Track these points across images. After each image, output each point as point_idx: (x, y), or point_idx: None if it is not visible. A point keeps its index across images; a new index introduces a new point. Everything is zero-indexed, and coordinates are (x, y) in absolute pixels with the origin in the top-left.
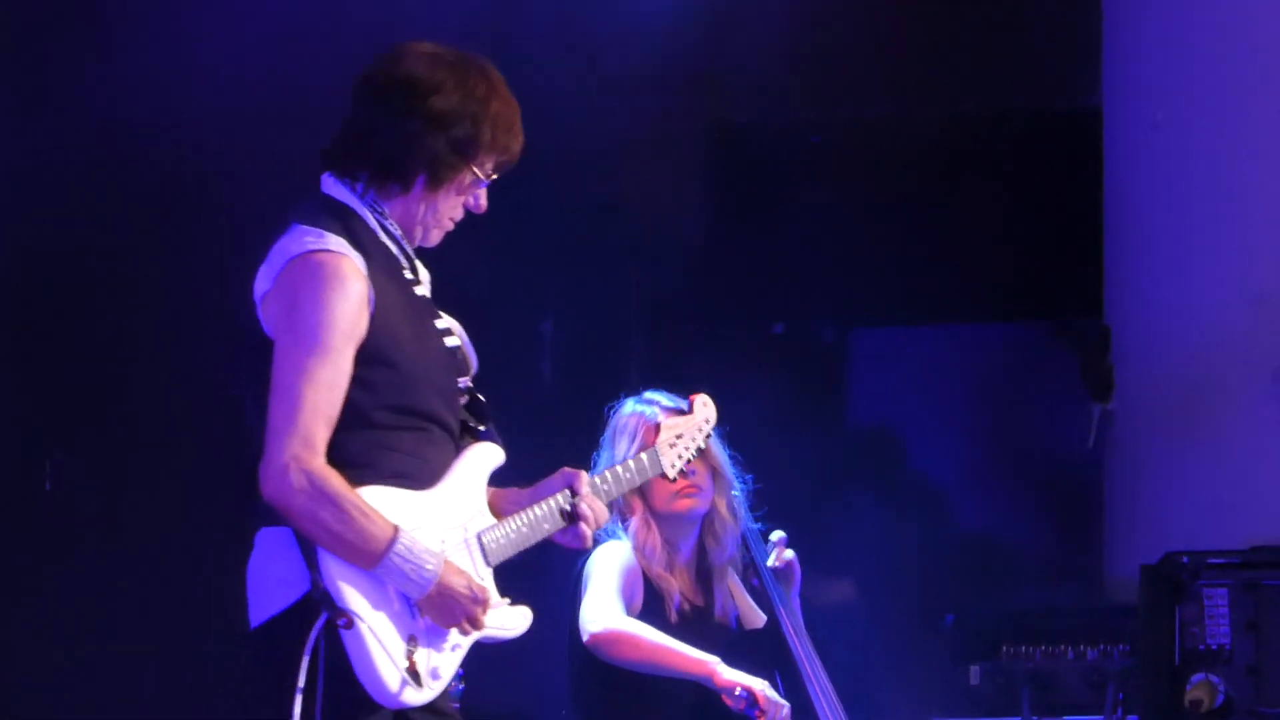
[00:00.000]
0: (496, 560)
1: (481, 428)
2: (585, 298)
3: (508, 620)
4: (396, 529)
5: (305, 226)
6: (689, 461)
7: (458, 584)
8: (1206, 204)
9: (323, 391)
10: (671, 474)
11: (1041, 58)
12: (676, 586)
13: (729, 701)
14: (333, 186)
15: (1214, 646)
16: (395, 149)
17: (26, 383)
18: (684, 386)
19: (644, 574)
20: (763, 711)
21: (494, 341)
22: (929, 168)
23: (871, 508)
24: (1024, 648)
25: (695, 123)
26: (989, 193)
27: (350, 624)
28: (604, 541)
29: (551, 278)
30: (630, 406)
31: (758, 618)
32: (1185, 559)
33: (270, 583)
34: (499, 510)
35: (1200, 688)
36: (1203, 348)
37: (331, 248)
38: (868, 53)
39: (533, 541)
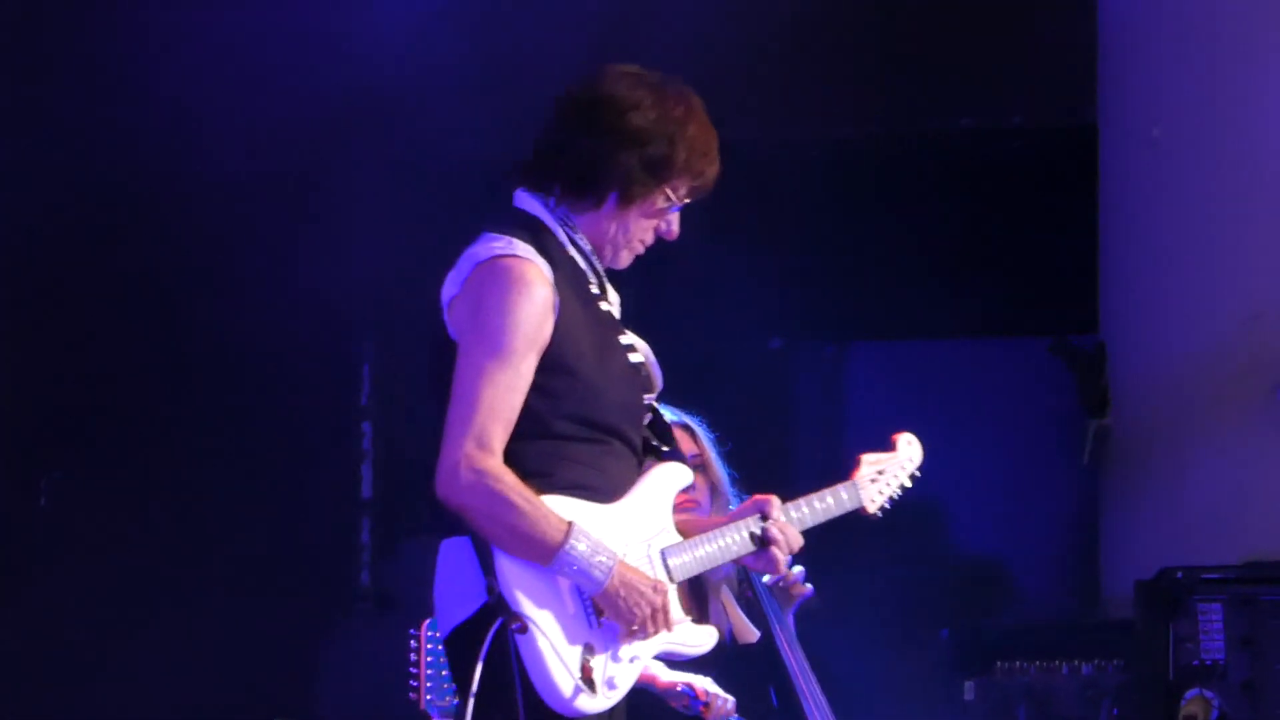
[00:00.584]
0: (680, 578)
1: (665, 448)
2: None
3: (691, 637)
4: (570, 523)
5: (494, 234)
6: (891, 500)
7: (635, 579)
8: (1202, 220)
9: (501, 393)
10: (871, 509)
11: (1038, 75)
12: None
13: (674, 704)
14: (525, 200)
15: (1209, 662)
16: (589, 164)
17: (22, 399)
18: (677, 400)
19: None
20: (706, 705)
21: None
22: (926, 184)
23: (868, 522)
24: (1019, 663)
25: None
26: (985, 209)
27: (524, 628)
28: None
29: None
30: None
31: (750, 633)
32: (1180, 574)
33: (454, 593)
34: (685, 533)
35: (1195, 703)
36: (1198, 364)
37: (519, 254)
38: (866, 70)
39: (719, 563)
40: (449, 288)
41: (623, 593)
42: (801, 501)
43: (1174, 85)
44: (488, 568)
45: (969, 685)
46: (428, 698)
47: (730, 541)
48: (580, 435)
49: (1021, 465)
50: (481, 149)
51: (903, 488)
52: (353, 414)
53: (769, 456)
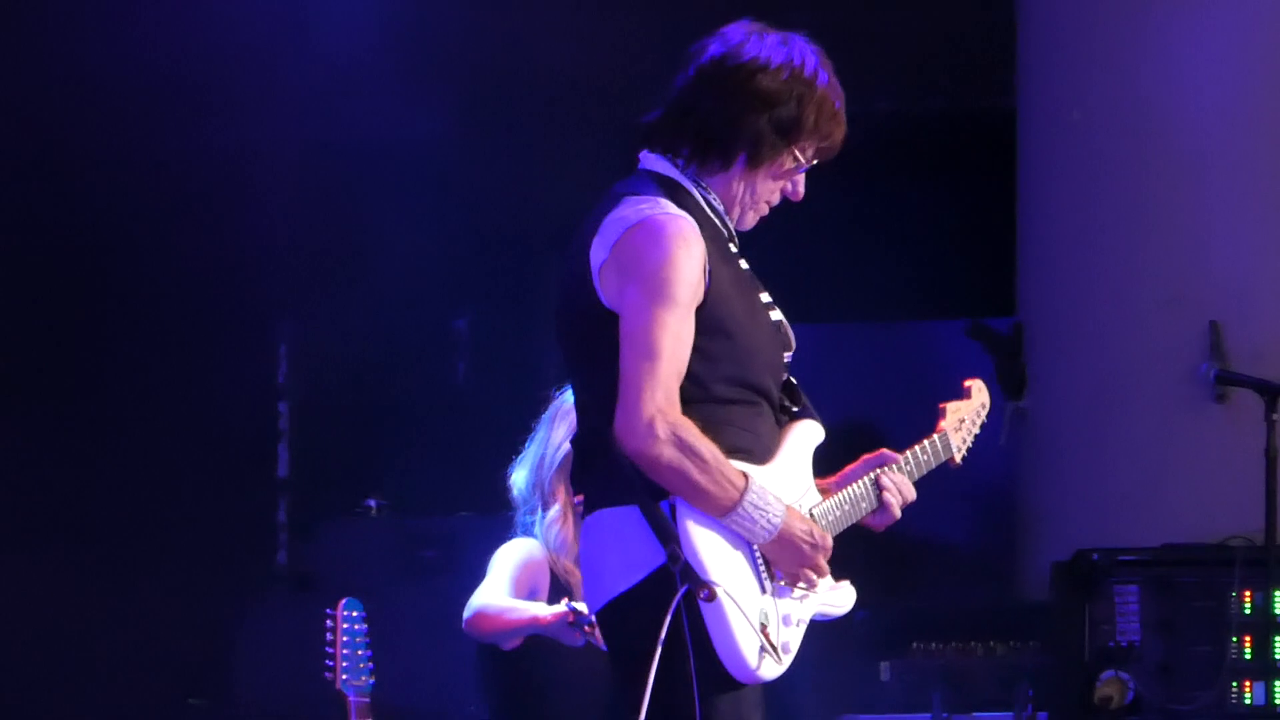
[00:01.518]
0: (832, 535)
1: (796, 407)
2: (502, 293)
3: (838, 598)
4: (748, 475)
5: (636, 197)
6: (969, 448)
7: (802, 530)
8: (1118, 204)
9: (680, 345)
10: (958, 457)
11: (956, 58)
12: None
13: (567, 641)
14: (654, 162)
15: (1124, 644)
16: (718, 125)
17: None
18: None
19: (550, 567)
20: (592, 625)
21: (408, 339)
22: (842, 167)
23: None
24: (935, 644)
25: (612, 124)
26: (903, 192)
27: (712, 596)
28: (514, 538)
29: (470, 272)
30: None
31: None
32: (1096, 556)
33: (614, 562)
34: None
35: (1110, 685)
36: (1114, 346)
37: (671, 211)
38: None
39: (852, 520)
40: (597, 253)
41: (795, 541)
42: (908, 454)
43: (1092, 68)
44: (667, 535)
45: (885, 666)
46: (344, 677)
47: (859, 497)
48: (736, 397)
49: None
50: (399, 129)
51: (976, 434)
52: (269, 393)
53: None
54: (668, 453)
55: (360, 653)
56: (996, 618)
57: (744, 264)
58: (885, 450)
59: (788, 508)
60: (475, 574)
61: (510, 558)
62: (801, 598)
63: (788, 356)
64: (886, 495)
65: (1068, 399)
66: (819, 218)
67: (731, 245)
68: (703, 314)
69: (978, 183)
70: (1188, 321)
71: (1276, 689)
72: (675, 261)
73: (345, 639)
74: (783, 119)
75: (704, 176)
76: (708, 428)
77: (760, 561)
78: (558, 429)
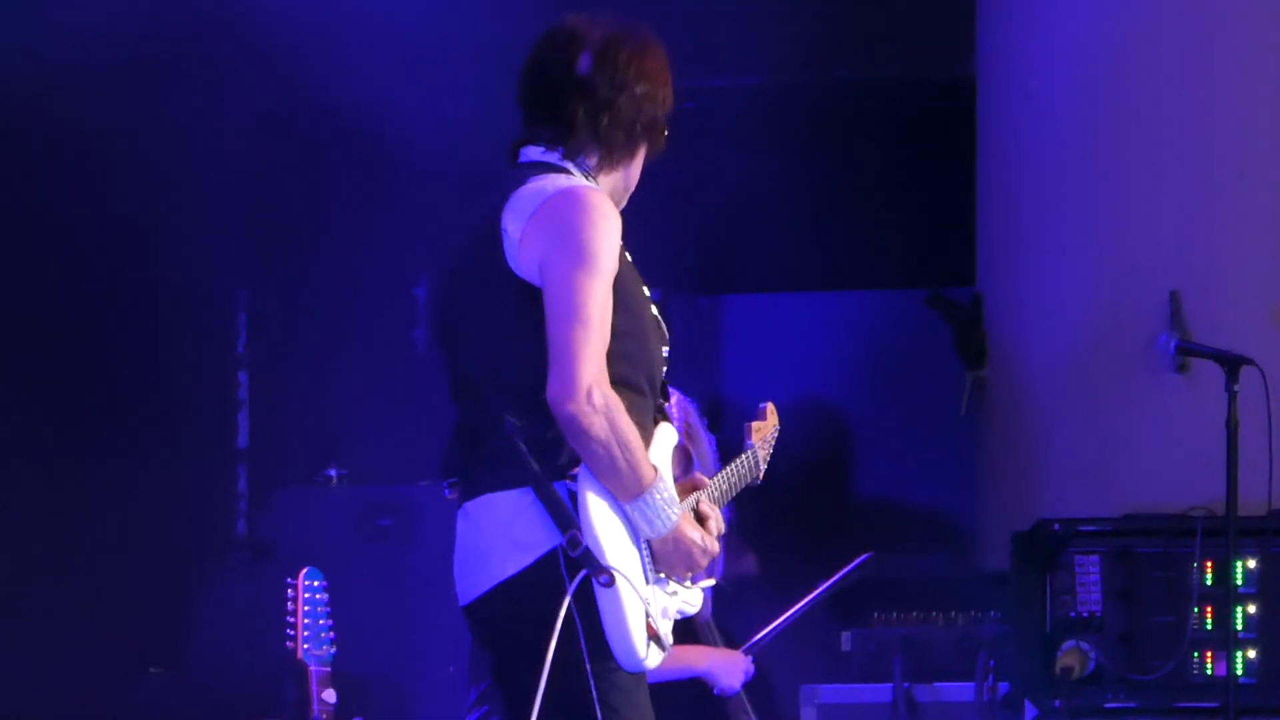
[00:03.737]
0: None
1: (666, 403)
2: None
3: (695, 598)
4: (658, 469)
5: (543, 175)
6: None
7: (696, 535)
8: (1078, 174)
9: (607, 314)
10: (760, 476)
11: (916, 27)
12: None
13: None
14: (541, 154)
15: (1085, 614)
16: (612, 119)
17: None
18: None
19: None
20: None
21: (367, 309)
22: (803, 136)
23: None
24: (895, 614)
25: None
26: (862, 161)
27: (612, 581)
28: None
29: (423, 242)
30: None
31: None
32: (1057, 526)
33: (503, 546)
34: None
35: (1071, 655)
36: (1074, 316)
37: (587, 183)
38: (743, 20)
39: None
40: (512, 225)
41: (688, 544)
42: (719, 479)
43: (1051, 39)
44: (566, 519)
45: (846, 636)
46: (305, 647)
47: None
48: (631, 382)
49: (897, 418)
50: (356, 97)
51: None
52: (229, 363)
53: None
54: (599, 423)
55: (321, 622)
56: (957, 588)
57: (629, 256)
58: (697, 474)
59: (684, 512)
60: (434, 543)
61: None
62: (672, 593)
63: (666, 351)
64: (710, 524)
65: (1027, 369)
66: (777, 187)
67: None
68: (615, 289)
69: (937, 152)
70: (1146, 291)
71: (1237, 659)
72: (600, 231)
73: (307, 608)
74: (667, 100)
75: (589, 169)
76: None
77: (646, 551)
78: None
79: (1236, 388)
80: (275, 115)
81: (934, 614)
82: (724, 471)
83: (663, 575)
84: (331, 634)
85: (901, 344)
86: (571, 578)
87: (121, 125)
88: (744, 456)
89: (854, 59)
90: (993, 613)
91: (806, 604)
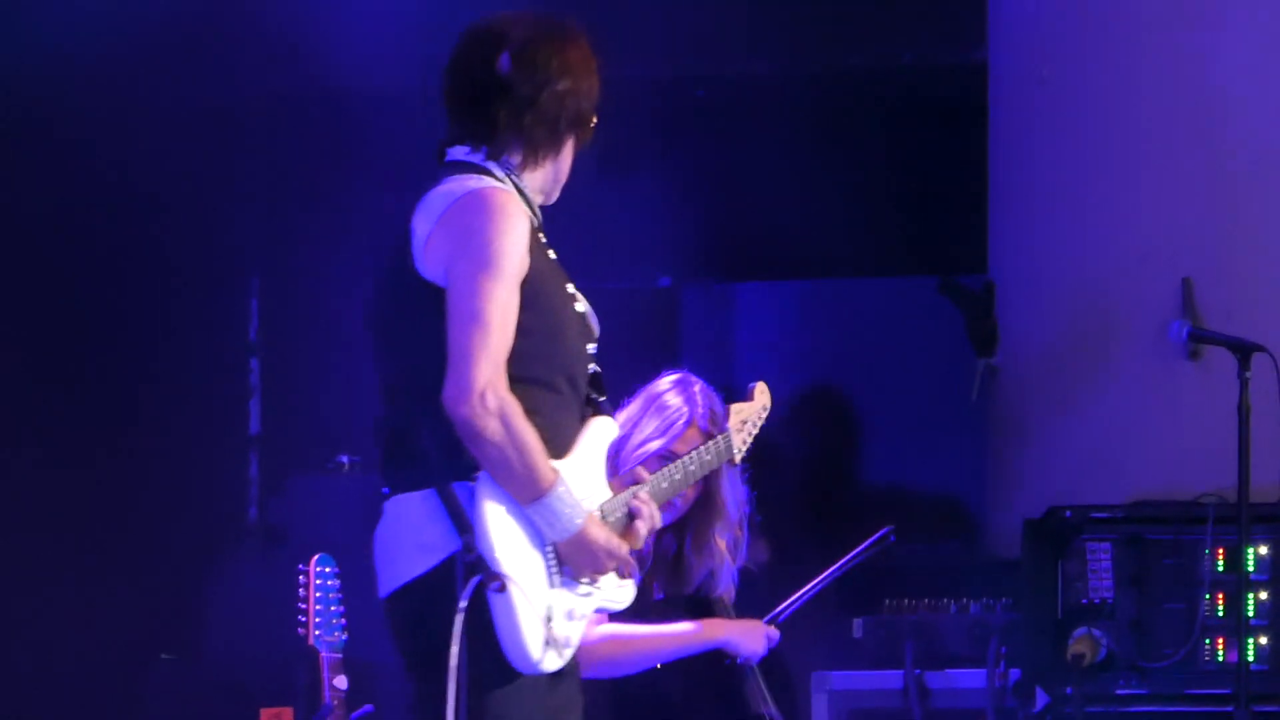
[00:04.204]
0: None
1: (601, 398)
2: None
3: (621, 594)
4: (559, 472)
5: (459, 175)
6: (750, 447)
7: (601, 538)
8: (1090, 160)
9: (508, 316)
10: (738, 457)
11: (927, 12)
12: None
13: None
14: (465, 154)
15: (1097, 601)
16: (538, 118)
17: None
18: None
19: None
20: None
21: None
22: (815, 122)
23: (754, 463)
24: (907, 601)
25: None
26: (874, 147)
27: (503, 587)
28: None
29: None
30: (675, 393)
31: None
32: (1068, 513)
33: (408, 548)
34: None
35: (1082, 642)
36: (1086, 303)
37: (496, 185)
38: (753, 6)
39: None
40: (420, 226)
41: (592, 548)
42: (671, 469)
43: (1064, 23)
44: (463, 524)
45: (857, 623)
46: (316, 633)
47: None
48: (545, 380)
49: (909, 405)
50: (374, 84)
51: (755, 436)
52: (241, 349)
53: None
54: (493, 426)
55: (333, 609)
56: (969, 575)
57: (552, 254)
58: (638, 469)
59: (590, 514)
60: None
61: None
62: (586, 594)
63: (592, 348)
64: (637, 523)
65: (1039, 356)
66: (788, 174)
67: (540, 235)
68: (523, 291)
69: (949, 139)
70: (1158, 278)
71: (1249, 646)
72: (503, 233)
73: (318, 595)
74: (594, 92)
75: (514, 164)
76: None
77: (551, 553)
78: (648, 424)
79: (1248, 374)
80: (289, 102)
81: (945, 601)
82: (679, 461)
83: (570, 577)
84: (343, 620)
85: (913, 331)
86: (454, 583)
87: (134, 111)
88: (711, 442)
89: (865, 45)
90: (1004, 599)
91: (828, 577)
